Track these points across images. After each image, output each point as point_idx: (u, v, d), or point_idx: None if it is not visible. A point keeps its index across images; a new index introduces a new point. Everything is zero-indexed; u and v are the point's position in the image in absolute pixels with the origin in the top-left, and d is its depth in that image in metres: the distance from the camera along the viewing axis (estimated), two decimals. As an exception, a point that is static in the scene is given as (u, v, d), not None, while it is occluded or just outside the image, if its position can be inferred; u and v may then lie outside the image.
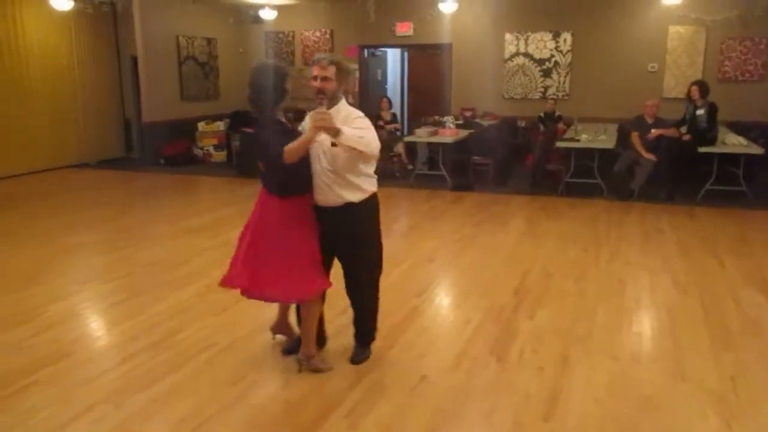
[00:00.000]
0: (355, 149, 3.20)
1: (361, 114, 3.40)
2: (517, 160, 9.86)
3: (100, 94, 11.64)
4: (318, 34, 12.41)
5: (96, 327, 4.44)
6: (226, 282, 3.50)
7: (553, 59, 10.67)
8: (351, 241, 3.50)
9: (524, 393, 3.34)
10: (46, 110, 10.62)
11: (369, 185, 3.48)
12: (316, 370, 3.58)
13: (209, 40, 12.24)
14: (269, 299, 3.56)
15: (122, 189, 9.49)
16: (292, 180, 3.38)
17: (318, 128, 3.15)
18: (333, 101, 3.36)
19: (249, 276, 3.38)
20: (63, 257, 5.98)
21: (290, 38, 12.65)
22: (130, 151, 12.26)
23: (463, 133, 9.49)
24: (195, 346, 3.92)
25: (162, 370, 3.60)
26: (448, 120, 9.71)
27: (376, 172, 3.54)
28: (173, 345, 3.94)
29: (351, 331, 3.80)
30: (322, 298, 3.67)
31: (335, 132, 3.12)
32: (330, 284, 3.52)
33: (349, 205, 3.42)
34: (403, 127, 12.06)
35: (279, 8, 12.06)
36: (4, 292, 4.93)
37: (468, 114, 10.70)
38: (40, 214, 7.65)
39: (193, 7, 11.64)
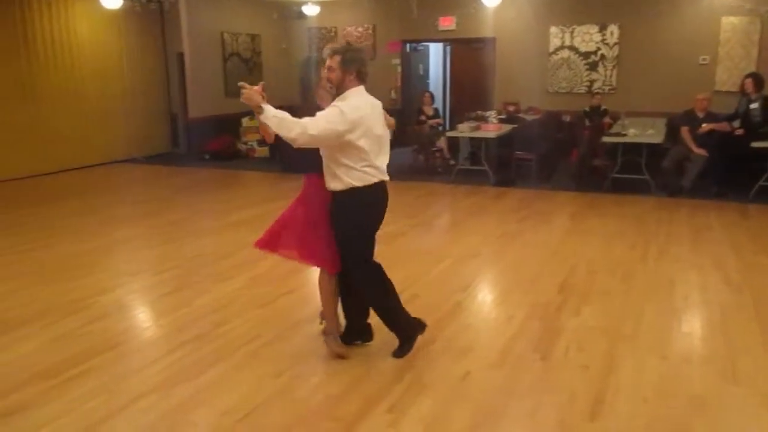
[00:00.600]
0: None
1: (342, 104, 3.31)
2: (561, 155, 9.69)
3: (148, 90, 11.90)
4: (360, 29, 12.41)
5: (144, 318, 4.55)
6: (260, 245, 3.73)
7: (599, 52, 10.45)
8: (335, 229, 3.54)
9: (569, 391, 3.28)
10: (96, 106, 10.92)
11: (349, 178, 3.38)
12: (330, 350, 3.67)
13: (253, 37, 12.38)
14: (285, 253, 3.68)
15: (168, 183, 9.68)
16: (286, 158, 3.54)
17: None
18: (340, 89, 3.40)
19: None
20: (112, 249, 6.13)
21: (333, 34, 12.69)
22: (176, 146, 12.50)
23: (506, 128, 9.38)
24: (240, 338, 3.97)
25: (207, 362, 3.65)
26: (491, 115, 9.61)
27: (387, 167, 3.51)
28: (218, 337, 3.99)
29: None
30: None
31: (257, 108, 3.16)
32: (335, 269, 3.60)
33: (334, 193, 3.47)
34: (445, 122, 12.00)
35: (322, 4, 12.12)
36: (56, 282, 5.08)
37: (511, 109, 10.56)
38: (90, 207, 7.87)
39: (238, 4, 11.80)
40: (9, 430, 2.99)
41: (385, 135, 3.53)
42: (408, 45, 12.38)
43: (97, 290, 4.89)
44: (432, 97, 10.53)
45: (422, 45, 13.00)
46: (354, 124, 3.28)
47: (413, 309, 4.36)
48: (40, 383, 3.43)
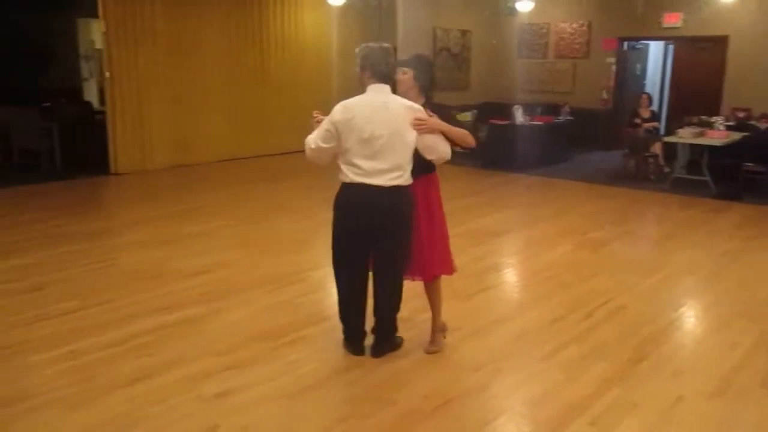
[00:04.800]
0: None
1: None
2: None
3: (357, 84, 12.52)
4: (575, 25, 11.98)
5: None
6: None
7: None
8: None
9: (806, 437, 2.89)
10: (312, 97, 11.69)
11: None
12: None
13: (464, 32, 12.49)
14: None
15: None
16: None
17: None
18: (361, 87, 3.60)
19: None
20: (318, 230, 6.53)
21: (544, 30, 12.40)
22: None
23: (735, 135, 8.50)
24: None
25: (409, 346, 3.73)
26: (718, 120, 8.77)
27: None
28: (419, 324, 4.04)
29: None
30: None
31: None
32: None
33: None
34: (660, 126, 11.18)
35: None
36: (274, 254, 5.58)
37: (741, 115, 9.56)
38: (301, 189, 8.48)
39: (451, 0, 11.97)
40: (234, 383, 3.31)
41: (387, 137, 3.36)
42: (626, 43, 11.70)
43: (309, 266, 5.26)
44: (650, 98, 9.84)
45: (641, 43, 12.21)
46: (332, 123, 3.49)
47: (619, 320, 4.17)
48: (260, 344, 3.76)
